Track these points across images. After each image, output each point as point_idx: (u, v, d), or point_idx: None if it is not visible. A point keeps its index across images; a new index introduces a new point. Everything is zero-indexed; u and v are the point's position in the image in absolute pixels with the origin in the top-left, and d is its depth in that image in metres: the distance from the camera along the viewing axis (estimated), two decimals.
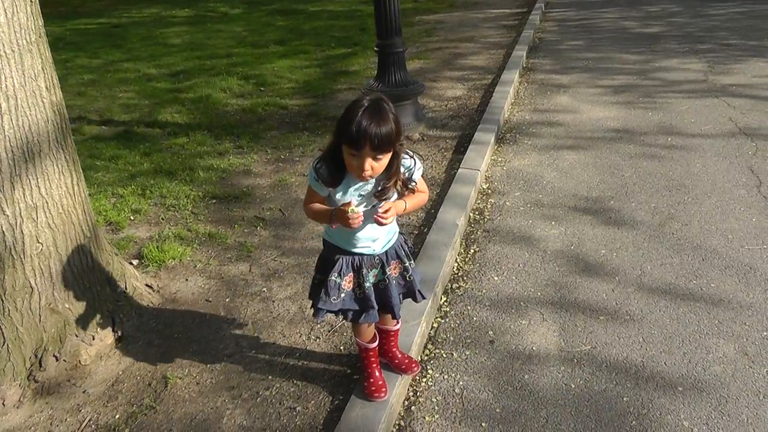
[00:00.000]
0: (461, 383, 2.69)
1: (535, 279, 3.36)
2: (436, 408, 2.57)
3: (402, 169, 2.15)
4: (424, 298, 2.48)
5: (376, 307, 2.32)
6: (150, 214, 4.18)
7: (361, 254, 2.26)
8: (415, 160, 2.19)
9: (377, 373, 2.53)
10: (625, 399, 2.55)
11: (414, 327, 2.84)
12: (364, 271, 2.27)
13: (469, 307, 3.17)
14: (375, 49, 5.27)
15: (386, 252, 2.30)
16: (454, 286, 3.34)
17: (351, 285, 2.29)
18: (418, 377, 2.73)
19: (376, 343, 2.53)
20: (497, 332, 2.98)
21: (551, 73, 7.09)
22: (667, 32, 8.56)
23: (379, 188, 2.13)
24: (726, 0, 10.25)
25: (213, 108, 6.38)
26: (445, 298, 3.25)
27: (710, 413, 2.45)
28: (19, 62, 2.50)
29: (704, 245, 3.54)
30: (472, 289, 3.31)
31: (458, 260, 3.57)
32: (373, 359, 2.53)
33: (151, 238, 3.85)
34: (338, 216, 2.10)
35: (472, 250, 3.66)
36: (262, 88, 6.98)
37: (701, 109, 5.62)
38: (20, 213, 2.56)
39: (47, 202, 2.65)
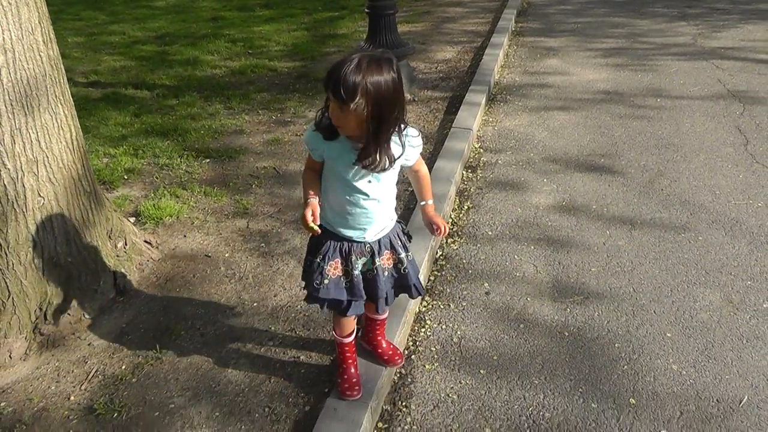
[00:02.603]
0: (459, 333, 2.77)
1: (528, 233, 3.43)
2: (436, 357, 2.65)
3: (400, 150, 1.95)
4: (420, 294, 2.28)
5: (364, 298, 2.16)
6: (144, 174, 4.18)
7: (351, 240, 2.09)
8: (404, 147, 1.97)
9: (353, 370, 2.37)
10: (616, 345, 2.64)
11: None
12: (353, 258, 2.09)
13: (464, 261, 3.24)
14: (365, 11, 5.23)
15: (379, 240, 2.12)
16: (449, 240, 3.41)
17: (337, 271, 2.10)
18: (416, 328, 2.80)
19: (353, 337, 2.36)
20: (492, 284, 3.05)
21: (540, 36, 7.10)
22: None
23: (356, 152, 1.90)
24: None
25: (201, 70, 6.33)
26: (440, 252, 3.31)
27: (697, 357, 2.55)
28: (17, 15, 2.48)
29: (692, 200, 3.63)
30: (467, 243, 3.38)
31: (452, 216, 3.63)
32: (349, 354, 2.37)
33: (146, 197, 3.86)
34: (304, 208, 1.96)
35: (466, 206, 3.72)
36: (250, 51, 6.92)
37: (690, 71, 5.68)
38: (21, 167, 2.56)
39: (47, 157, 2.66)
